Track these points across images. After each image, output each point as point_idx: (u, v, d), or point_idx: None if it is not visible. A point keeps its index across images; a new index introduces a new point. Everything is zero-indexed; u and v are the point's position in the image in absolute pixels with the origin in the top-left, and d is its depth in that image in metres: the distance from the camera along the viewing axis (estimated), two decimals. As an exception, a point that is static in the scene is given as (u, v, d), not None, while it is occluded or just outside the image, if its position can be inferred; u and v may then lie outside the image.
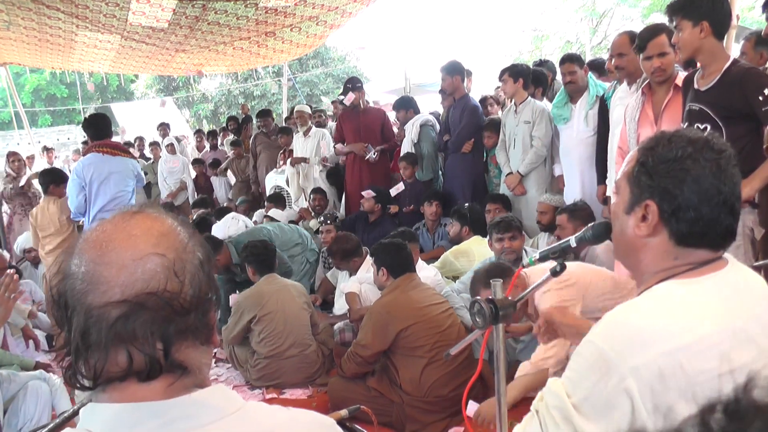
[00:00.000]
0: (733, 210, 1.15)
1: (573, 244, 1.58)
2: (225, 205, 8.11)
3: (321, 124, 7.92)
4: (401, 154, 5.94)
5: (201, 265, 0.87)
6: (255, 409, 0.90)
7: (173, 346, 0.82)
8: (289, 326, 3.92)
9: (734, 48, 4.64)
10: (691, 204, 1.15)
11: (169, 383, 0.83)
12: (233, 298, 4.36)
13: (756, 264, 1.63)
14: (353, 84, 6.18)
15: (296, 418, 0.94)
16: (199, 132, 11.61)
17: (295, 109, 7.53)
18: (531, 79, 5.19)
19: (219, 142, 10.17)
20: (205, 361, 0.90)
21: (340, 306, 4.75)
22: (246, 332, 4.04)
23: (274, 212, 5.86)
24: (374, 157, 5.98)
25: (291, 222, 5.92)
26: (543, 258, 1.67)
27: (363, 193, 5.68)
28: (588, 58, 14.40)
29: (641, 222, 1.20)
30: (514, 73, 5.07)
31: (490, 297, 1.62)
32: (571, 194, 4.64)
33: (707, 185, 1.13)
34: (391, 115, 6.92)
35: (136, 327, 0.79)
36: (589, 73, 4.76)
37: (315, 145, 6.82)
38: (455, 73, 5.57)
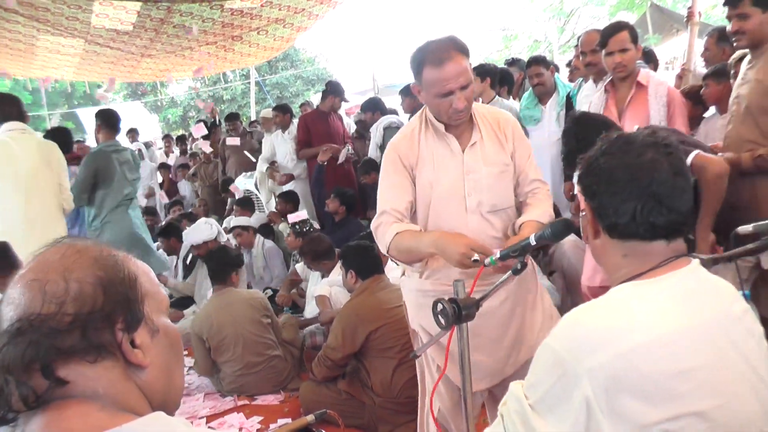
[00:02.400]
0: (658, 199, 1.14)
1: (532, 242, 1.58)
2: (191, 210, 7.94)
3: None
4: (361, 162, 5.92)
5: (98, 282, 0.83)
6: None
7: (52, 367, 0.78)
8: (247, 346, 3.84)
9: (698, 44, 4.70)
10: (608, 199, 1.18)
11: (79, 410, 0.79)
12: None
13: (714, 256, 1.65)
14: (341, 93, 6.16)
15: None
16: (167, 137, 11.43)
17: (261, 115, 7.43)
18: (498, 78, 5.21)
19: (188, 147, 10.01)
20: (114, 380, 0.83)
21: (310, 309, 4.71)
22: (210, 358, 3.94)
23: (241, 219, 5.76)
24: (350, 153, 5.99)
25: (261, 225, 5.85)
26: (504, 257, 1.67)
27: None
28: (556, 56, 14.55)
29: (589, 223, 1.26)
30: (482, 72, 5.07)
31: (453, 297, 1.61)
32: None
33: (620, 177, 1.16)
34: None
35: (9, 354, 0.76)
36: (556, 74, 4.77)
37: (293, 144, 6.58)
38: None
